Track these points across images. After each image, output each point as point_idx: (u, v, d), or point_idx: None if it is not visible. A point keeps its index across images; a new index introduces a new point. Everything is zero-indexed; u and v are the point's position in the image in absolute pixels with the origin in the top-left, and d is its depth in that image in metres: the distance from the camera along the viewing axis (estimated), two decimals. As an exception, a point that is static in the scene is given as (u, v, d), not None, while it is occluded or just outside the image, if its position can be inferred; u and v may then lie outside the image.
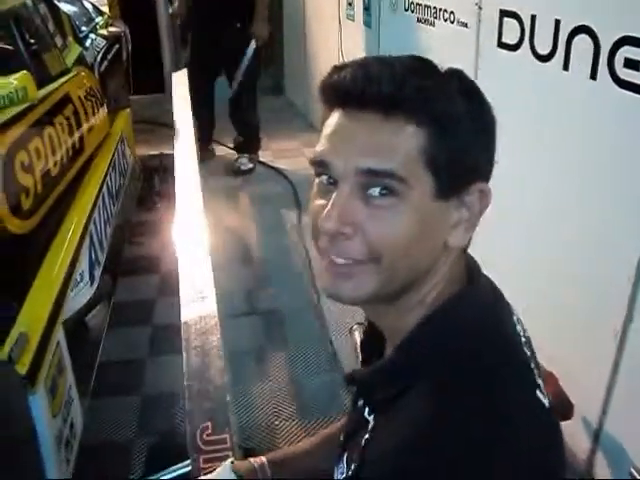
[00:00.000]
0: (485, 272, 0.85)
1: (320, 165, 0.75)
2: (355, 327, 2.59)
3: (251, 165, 4.76)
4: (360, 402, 0.85)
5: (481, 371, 0.72)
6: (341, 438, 0.92)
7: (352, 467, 0.78)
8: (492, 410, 0.69)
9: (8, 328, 1.52)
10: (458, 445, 0.66)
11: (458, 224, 0.76)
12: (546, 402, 0.76)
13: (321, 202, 0.75)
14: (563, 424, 1.76)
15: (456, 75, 0.77)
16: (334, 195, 0.72)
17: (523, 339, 0.81)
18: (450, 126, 0.72)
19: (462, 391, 0.70)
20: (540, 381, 0.78)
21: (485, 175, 0.77)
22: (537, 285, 2.04)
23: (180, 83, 3.95)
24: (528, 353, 0.80)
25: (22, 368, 1.46)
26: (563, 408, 1.76)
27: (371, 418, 0.79)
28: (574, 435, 1.87)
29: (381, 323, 0.85)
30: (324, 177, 0.75)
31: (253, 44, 4.42)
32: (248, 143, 4.78)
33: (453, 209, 0.75)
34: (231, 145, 4.91)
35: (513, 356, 0.77)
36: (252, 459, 1.14)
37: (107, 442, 2.16)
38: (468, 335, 0.74)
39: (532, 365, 0.79)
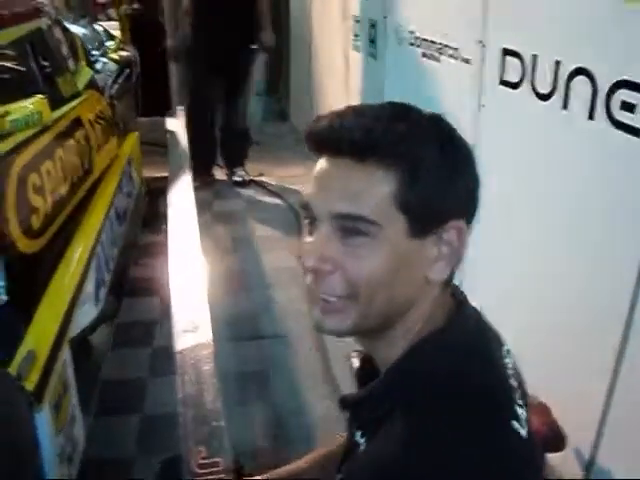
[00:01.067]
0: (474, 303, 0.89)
1: (304, 207, 0.81)
2: (353, 354, 2.61)
3: (247, 177, 4.84)
4: (353, 427, 0.89)
5: (456, 400, 0.75)
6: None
7: None
8: (460, 439, 0.72)
9: (17, 345, 1.56)
10: (425, 473, 0.70)
11: (438, 259, 0.80)
12: (524, 432, 0.78)
13: (308, 241, 0.81)
14: (555, 455, 1.79)
15: (433, 120, 0.81)
16: (315, 235, 0.79)
17: (510, 371, 0.84)
18: (420, 170, 0.76)
19: (435, 420, 0.74)
20: (521, 411, 0.80)
21: (461, 213, 0.81)
22: (529, 315, 2.07)
23: (175, 129, 3.97)
24: (515, 384, 0.83)
25: (30, 385, 1.50)
26: (555, 439, 1.78)
27: (362, 441, 0.83)
28: (567, 466, 1.89)
29: (373, 354, 0.89)
30: (308, 218, 0.82)
31: (262, 56, 4.52)
32: (240, 151, 4.85)
33: (431, 245, 0.79)
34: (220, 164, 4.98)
35: (492, 385, 0.81)
36: (246, 479, 1.18)
37: (108, 459, 2.18)
38: (450, 364, 0.79)
39: (516, 396, 0.82)
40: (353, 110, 0.80)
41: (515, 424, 0.77)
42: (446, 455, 0.71)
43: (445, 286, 0.85)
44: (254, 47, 4.57)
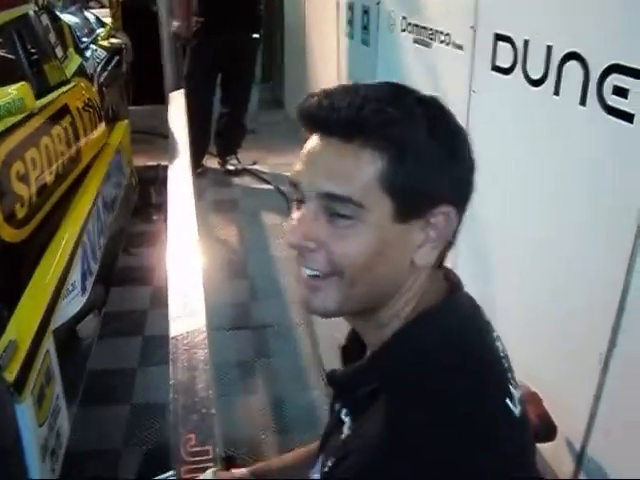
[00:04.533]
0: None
1: (292, 185, 0.80)
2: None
3: (240, 166, 4.89)
4: (337, 405, 0.87)
5: (448, 381, 0.74)
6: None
7: (328, 465, 0.80)
8: (452, 422, 0.71)
9: (-2, 336, 1.54)
10: (414, 456, 0.69)
11: (424, 244, 0.78)
12: (516, 411, 0.77)
13: (293, 218, 0.79)
14: (546, 445, 1.77)
15: (427, 104, 0.79)
16: (300, 213, 0.77)
17: (501, 354, 0.84)
18: (409, 152, 0.74)
19: (425, 402, 0.73)
20: (514, 391, 0.80)
21: (452, 198, 0.78)
22: (526, 307, 2.05)
23: (176, 102, 3.98)
24: (505, 365, 0.83)
25: (10, 376, 1.47)
26: (546, 429, 1.77)
27: (347, 419, 0.81)
28: (557, 457, 1.88)
29: (363, 336, 0.88)
30: (296, 196, 0.80)
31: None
32: (234, 141, 4.91)
33: (418, 230, 0.77)
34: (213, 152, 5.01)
35: (484, 365, 0.80)
36: (234, 470, 1.16)
37: (94, 451, 2.16)
38: (440, 344, 0.77)
39: (509, 375, 0.82)
40: (344, 89, 0.78)
41: (509, 403, 0.77)
42: (433, 437, 0.70)
43: (435, 270, 0.83)
44: (256, 36, 4.60)
